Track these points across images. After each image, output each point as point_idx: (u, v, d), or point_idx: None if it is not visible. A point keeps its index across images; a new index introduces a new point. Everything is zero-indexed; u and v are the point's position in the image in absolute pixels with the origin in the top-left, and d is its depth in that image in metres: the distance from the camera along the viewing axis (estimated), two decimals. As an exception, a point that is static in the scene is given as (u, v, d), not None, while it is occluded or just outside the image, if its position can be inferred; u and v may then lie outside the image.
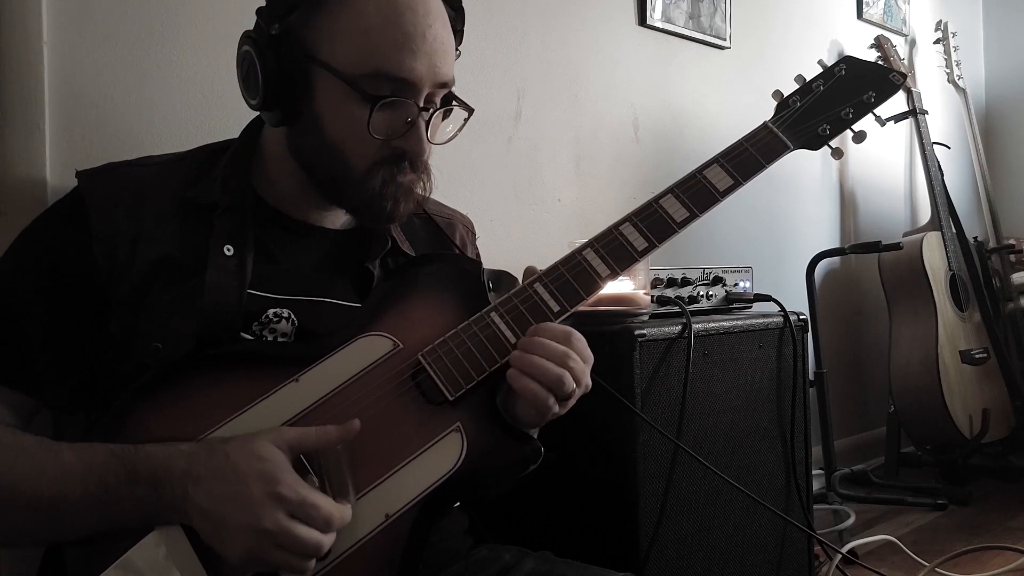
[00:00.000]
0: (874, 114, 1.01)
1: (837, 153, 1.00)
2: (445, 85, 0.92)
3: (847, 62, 1.02)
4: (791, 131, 0.98)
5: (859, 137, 1.01)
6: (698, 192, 0.93)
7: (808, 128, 0.98)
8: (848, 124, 1.00)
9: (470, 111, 0.95)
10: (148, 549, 0.73)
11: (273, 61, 0.88)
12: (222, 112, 1.33)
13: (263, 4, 0.93)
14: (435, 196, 1.13)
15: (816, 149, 0.99)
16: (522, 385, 0.84)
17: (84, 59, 1.21)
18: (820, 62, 1.04)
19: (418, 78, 0.88)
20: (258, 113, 1.02)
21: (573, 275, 0.90)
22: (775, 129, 0.98)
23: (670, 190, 0.94)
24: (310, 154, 0.92)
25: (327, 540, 0.74)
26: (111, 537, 0.74)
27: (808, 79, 1.02)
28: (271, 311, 0.92)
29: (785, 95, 1.01)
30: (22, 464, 0.77)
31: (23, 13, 1.13)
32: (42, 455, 0.77)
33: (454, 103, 0.95)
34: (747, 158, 0.95)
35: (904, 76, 1.02)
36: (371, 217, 0.95)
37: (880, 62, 2.80)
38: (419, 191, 0.94)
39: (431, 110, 0.91)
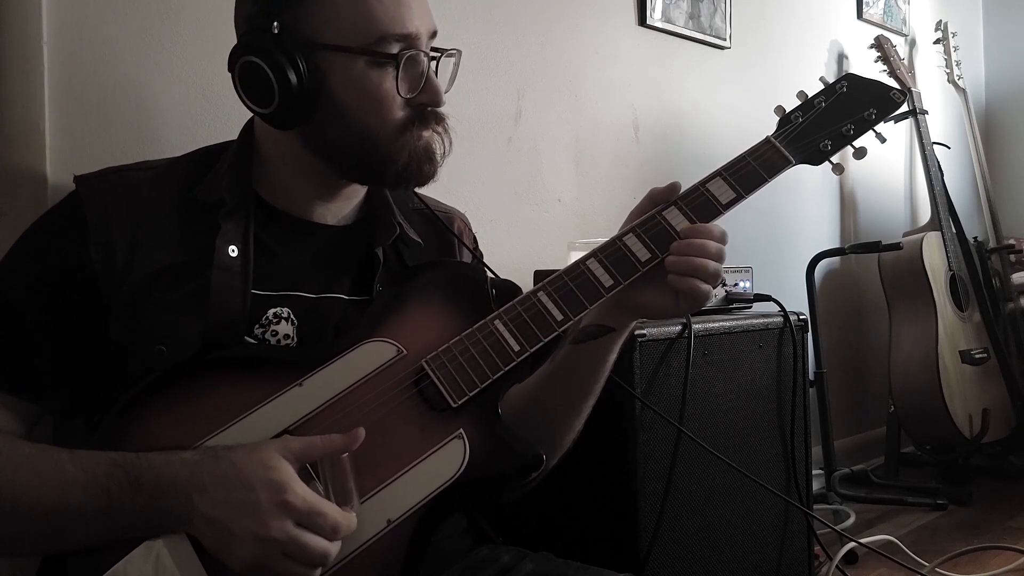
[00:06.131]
0: (875, 131, 1.03)
1: (838, 168, 1.02)
2: (434, 34, 0.96)
3: (849, 79, 1.03)
4: (793, 146, 0.99)
5: (860, 153, 1.02)
6: (701, 205, 0.94)
7: (810, 144, 0.99)
8: (849, 140, 1.01)
9: (459, 52, 0.98)
10: (148, 555, 0.73)
11: (283, 60, 0.88)
12: (222, 112, 1.33)
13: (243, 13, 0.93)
14: (434, 195, 1.14)
15: (817, 164, 1.01)
16: (688, 286, 0.89)
17: (84, 59, 1.21)
18: (822, 79, 1.06)
19: (417, 30, 0.91)
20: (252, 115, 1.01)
21: (577, 284, 0.90)
22: (778, 144, 0.98)
23: (674, 203, 0.95)
24: (335, 143, 0.93)
25: (333, 549, 0.74)
26: (115, 546, 0.74)
27: (810, 95, 1.03)
28: (271, 311, 0.92)
29: (787, 111, 1.03)
30: (23, 474, 0.76)
31: (23, 13, 1.13)
32: (43, 464, 0.77)
33: (446, 51, 0.97)
34: (750, 172, 0.96)
35: (904, 94, 1.03)
36: (407, 183, 0.96)
37: (880, 62, 2.81)
38: (441, 147, 0.96)
39: (437, 58, 0.95)
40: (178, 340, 0.86)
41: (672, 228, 0.93)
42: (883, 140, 1.05)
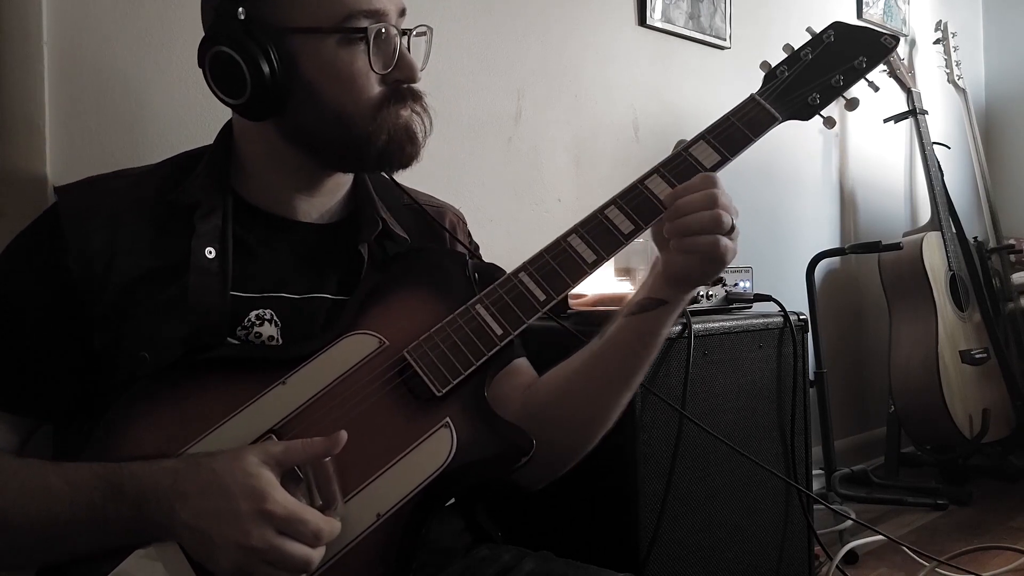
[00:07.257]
0: (867, 79, 0.98)
1: (829, 122, 0.98)
2: (403, 12, 0.94)
3: (836, 28, 0.98)
4: (779, 102, 0.94)
5: (851, 104, 0.97)
6: (685, 170, 0.91)
7: (797, 98, 0.95)
8: (839, 92, 0.96)
9: (430, 29, 0.97)
10: (140, 563, 0.73)
11: (252, 46, 0.86)
12: (222, 112, 1.32)
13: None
14: (434, 194, 1.14)
15: (807, 119, 0.96)
16: (690, 245, 0.84)
17: (84, 59, 1.21)
18: (808, 29, 1.01)
19: (385, 7, 0.90)
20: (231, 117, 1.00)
21: (558, 262, 0.88)
22: (762, 101, 0.94)
23: (655, 170, 0.92)
24: (312, 130, 0.91)
25: (316, 555, 0.74)
26: (108, 555, 0.74)
27: (796, 48, 0.99)
28: (253, 313, 0.91)
29: (773, 65, 0.98)
30: (11, 487, 0.77)
31: (23, 13, 1.13)
32: (29, 477, 0.77)
33: (415, 28, 0.96)
34: (734, 132, 0.93)
35: (897, 39, 0.98)
36: (390, 165, 0.94)
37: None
38: (422, 127, 0.94)
39: (408, 34, 0.93)
40: (161, 345, 0.86)
41: (654, 196, 0.89)
42: (876, 88, 1.01)
